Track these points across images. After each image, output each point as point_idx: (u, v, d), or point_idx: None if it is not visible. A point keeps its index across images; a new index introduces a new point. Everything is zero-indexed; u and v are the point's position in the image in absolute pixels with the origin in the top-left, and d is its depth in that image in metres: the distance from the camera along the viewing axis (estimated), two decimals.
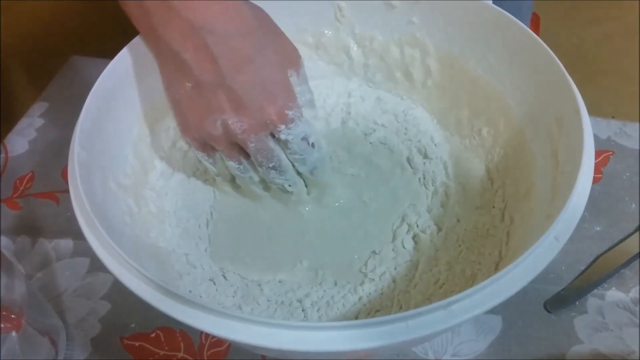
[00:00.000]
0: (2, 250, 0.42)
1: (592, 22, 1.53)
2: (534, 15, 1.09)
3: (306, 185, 0.41)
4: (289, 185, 0.40)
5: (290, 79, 0.37)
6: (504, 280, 0.27)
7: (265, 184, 0.41)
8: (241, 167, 0.39)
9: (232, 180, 0.42)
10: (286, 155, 0.38)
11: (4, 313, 0.39)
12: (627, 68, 1.36)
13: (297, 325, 0.26)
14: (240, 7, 0.35)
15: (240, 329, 0.26)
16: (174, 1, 0.34)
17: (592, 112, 0.53)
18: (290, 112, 0.36)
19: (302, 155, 0.38)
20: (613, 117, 0.55)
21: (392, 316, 0.26)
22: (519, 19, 0.40)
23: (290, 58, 0.38)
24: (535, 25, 1.10)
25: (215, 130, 0.36)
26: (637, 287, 0.42)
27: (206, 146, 0.38)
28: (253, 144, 0.36)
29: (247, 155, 0.38)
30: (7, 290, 0.38)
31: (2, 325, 0.39)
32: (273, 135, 0.37)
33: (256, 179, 0.40)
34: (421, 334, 0.26)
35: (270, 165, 0.38)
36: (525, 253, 0.27)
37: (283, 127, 0.36)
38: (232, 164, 0.38)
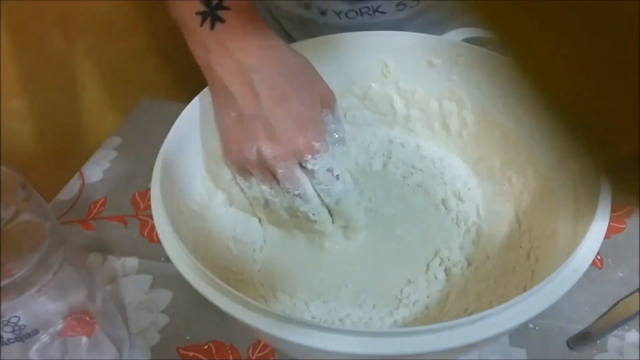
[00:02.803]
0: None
1: None
2: None
3: (332, 216, 0.45)
4: (313, 215, 0.44)
5: (325, 118, 0.43)
6: (525, 304, 0.31)
7: (293, 213, 0.45)
8: (272, 191, 0.43)
9: (266, 205, 0.46)
10: (313, 185, 0.43)
11: (83, 317, 0.44)
12: None
13: (339, 329, 0.30)
14: (286, 54, 0.42)
15: (293, 330, 0.31)
16: (231, 43, 0.40)
17: None
18: (317, 144, 0.41)
19: (327, 185, 0.42)
20: None
21: (424, 327, 0.30)
22: None
23: (326, 100, 0.44)
24: None
25: (251, 155, 0.41)
26: None
27: (244, 170, 0.43)
28: (282, 170, 0.41)
29: (278, 182, 0.43)
30: (89, 299, 0.44)
31: (77, 330, 0.44)
32: (302, 166, 0.42)
33: (285, 204, 0.44)
34: (449, 345, 0.30)
35: (296, 193, 0.42)
36: (545, 280, 0.31)
37: (309, 157, 0.41)
38: (264, 188, 0.43)
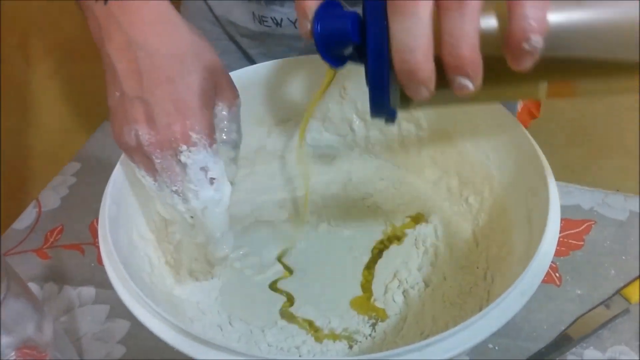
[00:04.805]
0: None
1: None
2: None
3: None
4: (191, 217, 0.39)
5: (219, 113, 0.40)
6: (472, 328, 0.31)
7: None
8: (155, 184, 0.39)
9: None
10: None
11: (31, 352, 0.43)
12: (628, 142, 1.40)
13: None
14: (179, 32, 0.39)
15: None
16: (121, 17, 0.37)
17: (595, 184, 0.58)
18: (194, 135, 0.37)
19: (196, 186, 0.37)
20: (617, 190, 0.58)
21: (373, 355, 0.29)
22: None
23: (223, 93, 0.41)
24: (536, 103, 1.15)
25: (131, 140, 0.37)
26: (613, 347, 0.45)
27: (130, 157, 0.39)
28: (159, 161, 0.37)
29: None
30: (37, 330, 0.43)
31: None
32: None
33: (168, 200, 0.39)
34: None
35: (174, 189, 0.38)
36: (491, 304, 0.31)
37: (185, 147, 0.36)
38: (148, 180, 0.39)
